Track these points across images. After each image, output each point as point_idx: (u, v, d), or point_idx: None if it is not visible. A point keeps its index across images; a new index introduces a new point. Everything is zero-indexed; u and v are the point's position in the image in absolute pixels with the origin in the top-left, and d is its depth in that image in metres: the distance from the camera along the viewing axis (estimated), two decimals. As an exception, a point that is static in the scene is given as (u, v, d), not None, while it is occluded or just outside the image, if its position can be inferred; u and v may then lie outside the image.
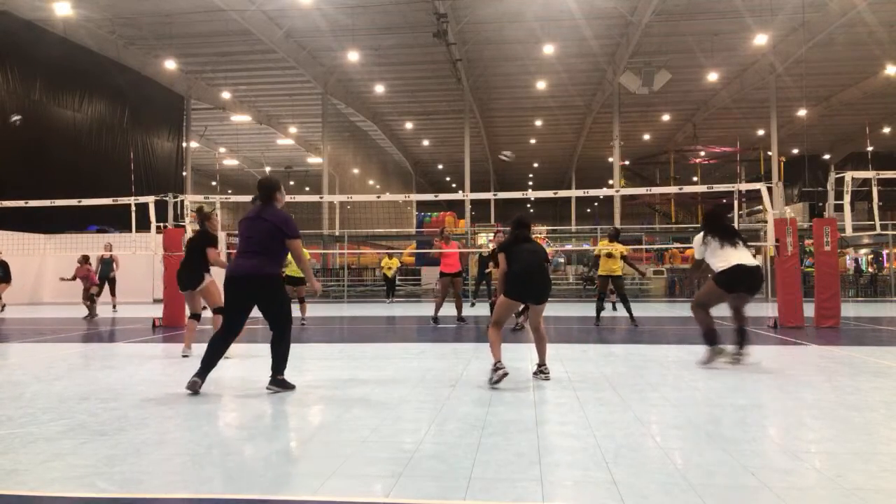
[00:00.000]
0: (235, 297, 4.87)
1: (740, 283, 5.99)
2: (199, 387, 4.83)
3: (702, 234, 6.32)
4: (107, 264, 15.05)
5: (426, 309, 16.50)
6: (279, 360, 4.99)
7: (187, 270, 6.92)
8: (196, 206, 8.60)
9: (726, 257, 6.03)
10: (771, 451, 3.26)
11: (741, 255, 6.02)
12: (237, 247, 5.04)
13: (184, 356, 6.90)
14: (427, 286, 24.06)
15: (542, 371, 5.45)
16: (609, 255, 10.75)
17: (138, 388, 5.10)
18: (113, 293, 15.48)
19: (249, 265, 4.81)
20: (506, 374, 5.02)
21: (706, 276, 6.64)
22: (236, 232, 5.46)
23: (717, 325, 6.24)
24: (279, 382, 4.96)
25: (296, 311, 8.49)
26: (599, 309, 11.00)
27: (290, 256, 8.76)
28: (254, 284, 4.81)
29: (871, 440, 3.45)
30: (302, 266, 5.28)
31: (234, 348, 6.01)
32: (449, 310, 11.63)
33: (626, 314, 10.62)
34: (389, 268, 19.67)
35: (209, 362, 4.92)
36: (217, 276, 6.46)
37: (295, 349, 7.31)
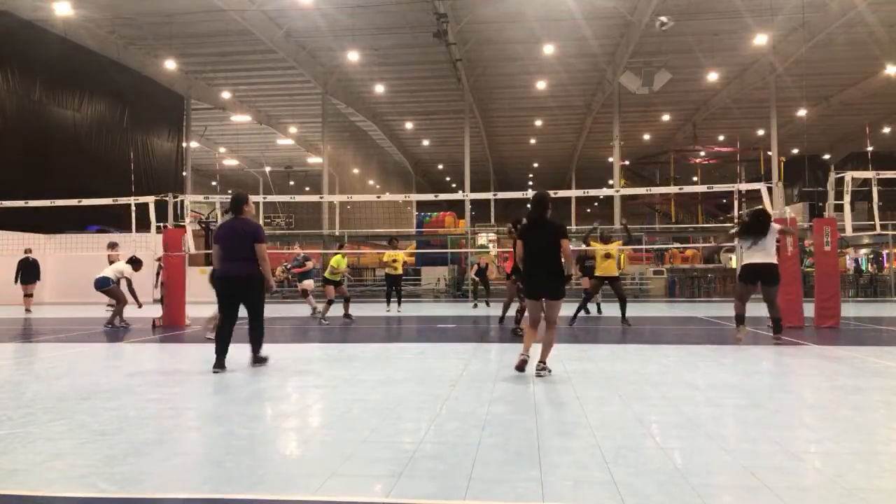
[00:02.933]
0: (228, 293, 6.08)
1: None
2: (222, 368, 5.92)
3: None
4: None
5: (426, 309, 16.50)
6: (256, 341, 6.22)
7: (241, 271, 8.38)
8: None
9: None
10: (771, 451, 3.26)
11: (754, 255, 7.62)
12: (222, 252, 6.07)
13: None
14: (427, 286, 24.04)
15: (539, 370, 5.47)
16: (607, 256, 10.67)
17: (138, 388, 5.10)
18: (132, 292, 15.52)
19: (236, 268, 6.01)
20: (525, 361, 5.53)
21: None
22: None
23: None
24: (260, 360, 6.21)
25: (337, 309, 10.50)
26: (581, 308, 10.93)
27: (332, 261, 11.77)
28: (241, 282, 6.03)
29: (871, 440, 3.45)
30: (264, 266, 6.12)
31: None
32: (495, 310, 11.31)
33: (619, 314, 10.48)
34: (394, 268, 16.24)
35: (222, 348, 6.02)
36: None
37: (295, 349, 7.33)
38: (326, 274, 11.94)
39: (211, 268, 7.04)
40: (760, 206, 9.26)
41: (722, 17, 21.77)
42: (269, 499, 2.64)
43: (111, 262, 13.45)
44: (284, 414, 4.25)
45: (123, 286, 10.91)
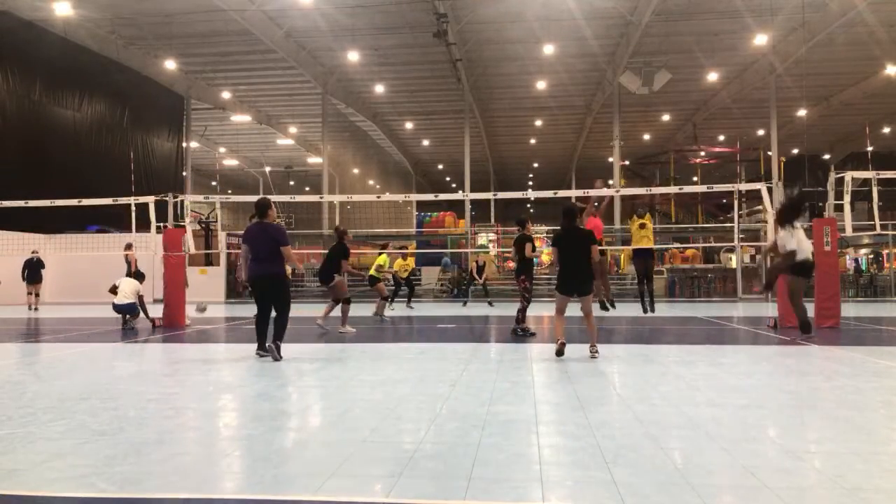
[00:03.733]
0: (260, 291, 6.82)
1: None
2: (265, 352, 6.66)
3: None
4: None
5: (426, 309, 16.50)
6: (279, 330, 6.78)
7: (325, 271, 9.79)
8: (338, 227, 10.42)
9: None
10: (771, 451, 3.26)
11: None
12: (251, 254, 6.80)
13: (343, 332, 9.33)
14: (427, 286, 24.05)
15: (591, 352, 6.55)
16: (642, 227, 10.82)
17: (138, 389, 5.10)
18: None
19: (263, 268, 6.73)
20: (563, 344, 6.53)
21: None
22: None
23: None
24: (274, 347, 6.63)
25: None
26: (642, 294, 11.26)
27: (379, 260, 12.45)
28: (268, 280, 6.76)
29: (871, 440, 3.45)
30: (294, 263, 6.98)
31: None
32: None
33: (615, 314, 10.85)
34: (406, 269, 16.48)
35: (262, 336, 6.80)
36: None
37: (295, 349, 7.33)
38: (372, 272, 12.19)
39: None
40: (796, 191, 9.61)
41: (722, 17, 21.76)
42: (269, 499, 2.64)
43: (128, 262, 14.01)
44: (285, 414, 4.25)
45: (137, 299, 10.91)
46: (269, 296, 6.82)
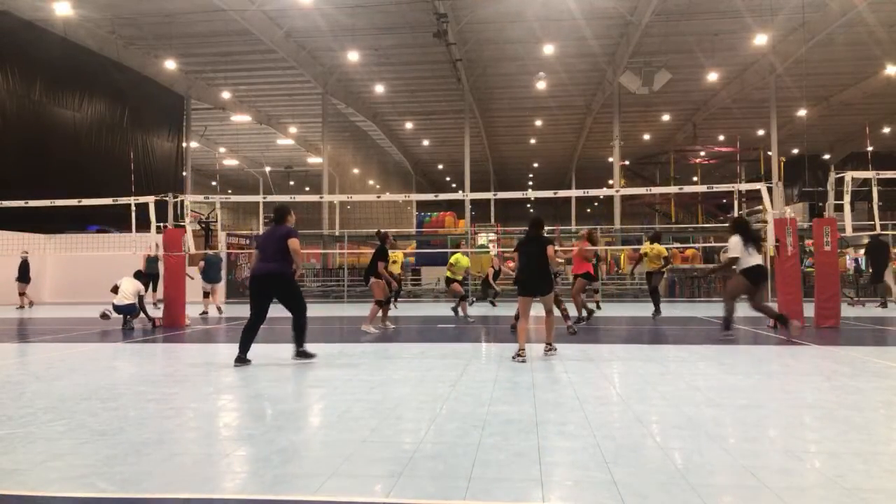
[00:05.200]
0: (255, 290, 6.41)
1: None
2: (243, 361, 6.29)
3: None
4: (152, 262, 15.51)
5: (426, 309, 16.50)
6: (298, 337, 6.49)
7: (367, 272, 10.07)
8: (379, 233, 10.45)
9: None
10: (771, 451, 3.26)
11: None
12: (258, 254, 6.52)
13: (365, 331, 9.56)
14: (427, 286, 24.04)
15: (546, 350, 6.74)
16: (644, 254, 12.01)
17: (138, 388, 5.10)
18: (155, 289, 16.10)
19: (264, 266, 6.35)
20: (524, 351, 6.43)
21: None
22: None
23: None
24: (301, 353, 6.47)
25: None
26: (655, 303, 12.16)
27: (452, 259, 12.31)
28: (268, 279, 6.34)
29: (871, 440, 3.45)
30: (295, 258, 6.40)
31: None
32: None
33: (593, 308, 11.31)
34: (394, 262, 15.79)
35: (245, 344, 6.37)
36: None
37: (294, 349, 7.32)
38: (448, 273, 12.30)
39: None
40: (739, 214, 9.98)
41: (722, 17, 21.78)
42: (269, 499, 2.64)
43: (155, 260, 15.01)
44: (284, 414, 4.25)
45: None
46: (270, 296, 6.44)
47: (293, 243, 6.34)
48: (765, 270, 8.11)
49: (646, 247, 12.24)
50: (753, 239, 8.09)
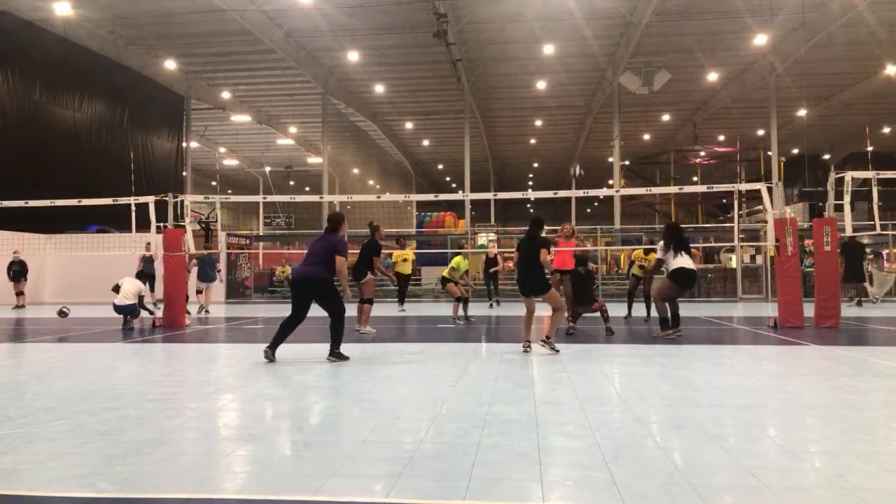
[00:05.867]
0: (295, 292, 6.68)
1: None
2: (271, 356, 6.38)
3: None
4: (148, 262, 15.50)
5: (426, 309, 16.50)
6: (335, 339, 6.57)
7: (357, 267, 9.51)
8: (373, 224, 10.04)
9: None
10: (771, 451, 3.26)
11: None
12: (305, 258, 6.76)
13: (359, 332, 9.20)
14: (427, 286, 24.03)
15: (541, 342, 6.98)
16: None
17: (138, 388, 5.10)
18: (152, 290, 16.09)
19: (304, 270, 6.61)
20: (529, 343, 7.04)
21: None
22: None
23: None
24: (337, 355, 6.52)
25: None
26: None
27: (453, 262, 12.13)
28: (304, 284, 6.56)
29: (871, 440, 3.45)
30: (339, 277, 6.64)
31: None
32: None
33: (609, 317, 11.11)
34: (404, 259, 15.52)
35: (279, 337, 6.48)
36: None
37: (295, 349, 7.32)
38: (445, 273, 12.03)
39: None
40: (673, 220, 10.32)
41: (722, 17, 21.76)
42: (269, 499, 2.64)
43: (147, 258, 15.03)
44: (284, 413, 4.25)
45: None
46: (309, 299, 6.54)
47: (340, 263, 6.52)
48: (691, 273, 8.35)
49: (651, 256, 12.13)
50: (682, 243, 8.49)
